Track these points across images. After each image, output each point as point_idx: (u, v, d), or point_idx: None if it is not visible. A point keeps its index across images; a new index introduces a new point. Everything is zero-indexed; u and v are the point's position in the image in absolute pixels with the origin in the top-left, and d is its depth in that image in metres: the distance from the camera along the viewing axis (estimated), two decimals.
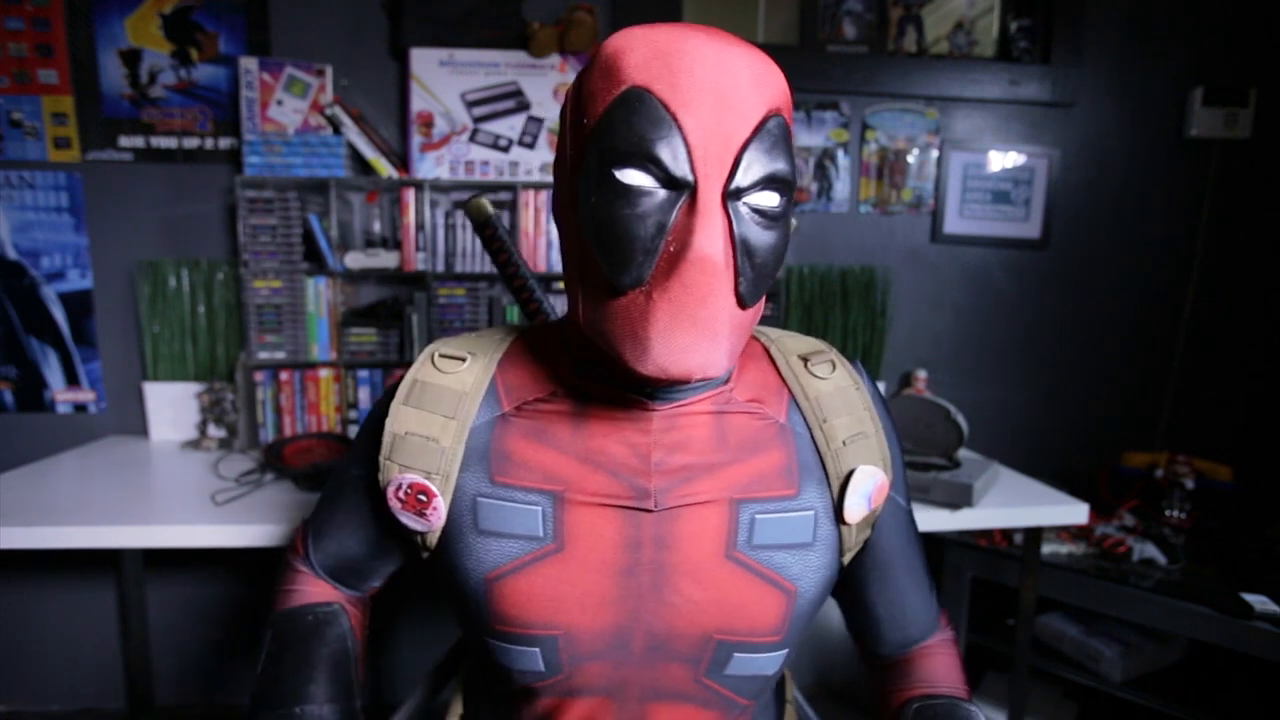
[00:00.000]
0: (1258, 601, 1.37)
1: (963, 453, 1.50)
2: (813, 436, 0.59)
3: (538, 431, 0.57)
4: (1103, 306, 2.03)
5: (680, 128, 0.45)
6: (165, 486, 1.38)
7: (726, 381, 0.58)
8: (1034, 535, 1.43)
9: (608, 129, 0.47)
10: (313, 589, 0.68)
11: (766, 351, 0.63)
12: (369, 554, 0.67)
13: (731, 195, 0.47)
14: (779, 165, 0.47)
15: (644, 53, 0.46)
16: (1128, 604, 1.47)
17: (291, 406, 1.67)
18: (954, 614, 1.69)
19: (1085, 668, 1.61)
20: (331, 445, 1.55)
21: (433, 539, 0.59)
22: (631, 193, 0.46)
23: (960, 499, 1.29)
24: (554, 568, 0.55)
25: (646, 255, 0.47)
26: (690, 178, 0.46)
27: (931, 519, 1.30)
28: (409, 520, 0.58)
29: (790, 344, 0.64)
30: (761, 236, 0.48)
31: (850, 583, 0.67)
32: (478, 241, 1.65)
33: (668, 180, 0.46)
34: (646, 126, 0.45)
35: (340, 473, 0.67)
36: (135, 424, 1.79)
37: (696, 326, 0.46)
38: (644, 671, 0.57)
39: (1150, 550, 1.58)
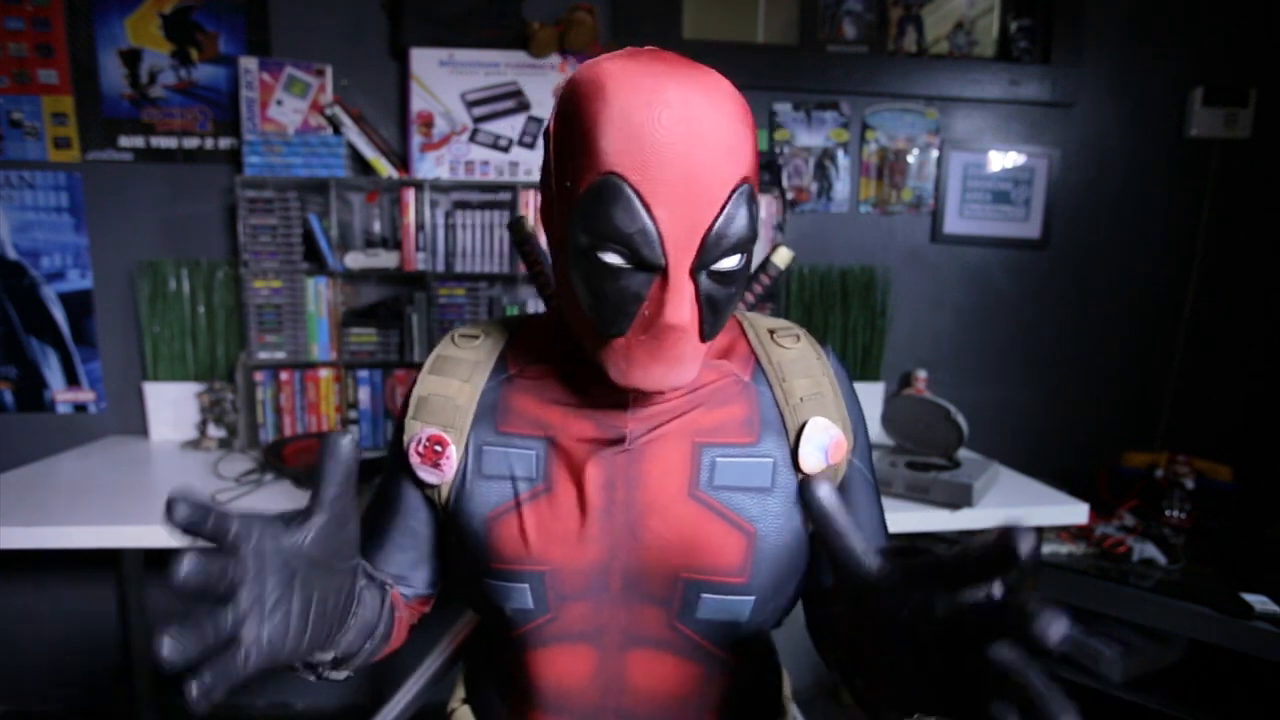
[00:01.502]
0: (1258, 601, 1.37)
1: (963, 453, 1.50)
2: (774, 395, 0.65)
3: (537, 389, 0.66)
4: (1103, 306, 2.03)
5: (654, 218, 0.51)
6: (165, 486, 1.38)
7: None
8: None
9: (590, 211, 0.52)
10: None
11: (739, 324, 0.70)
12: (404, 546, 0.69)
13: (697, 269, 0.54)
14: (742, 234, 0.53)
15: (618, 134, 0.50)
16: (1128, 604, 1.47)
17: (291, 406, 1.67)
18: None
19: (1085, 668, 1.61)
20: None
21: (445, 492, 0.66)
22: (612, 270, 0.53)
23: (960, 499, 1.29)
24: (542, 506, 0.61)
25: (626, 317, 0.55)
26: (662, 262, 0.52)
27: (931, 519, 1.30)
28: (426, 474, 0.65)
29: (761, 321, 0.71)
30: (723, 293, 0.56)
31: (816, 555, 0.68)
32: (477, 242, 1.69)
33: (641, 264, 0.53)
34: (623, 219, 0.51)
35: (377, 487, 0.72)
36: (135, 424, 1.79)
37: (668, 364, 0.56)
38: (621, 613, 0.61)
39: (1150, 550, 1.58)
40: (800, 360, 0.67)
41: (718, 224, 0.52)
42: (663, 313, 0.53)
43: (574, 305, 0.58)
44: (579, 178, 0.53)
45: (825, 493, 0.43)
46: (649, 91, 0.50)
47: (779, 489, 0.62)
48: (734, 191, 0.52)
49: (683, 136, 0.49)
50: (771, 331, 0.69)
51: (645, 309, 0.54)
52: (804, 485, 0.43)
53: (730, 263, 0.54)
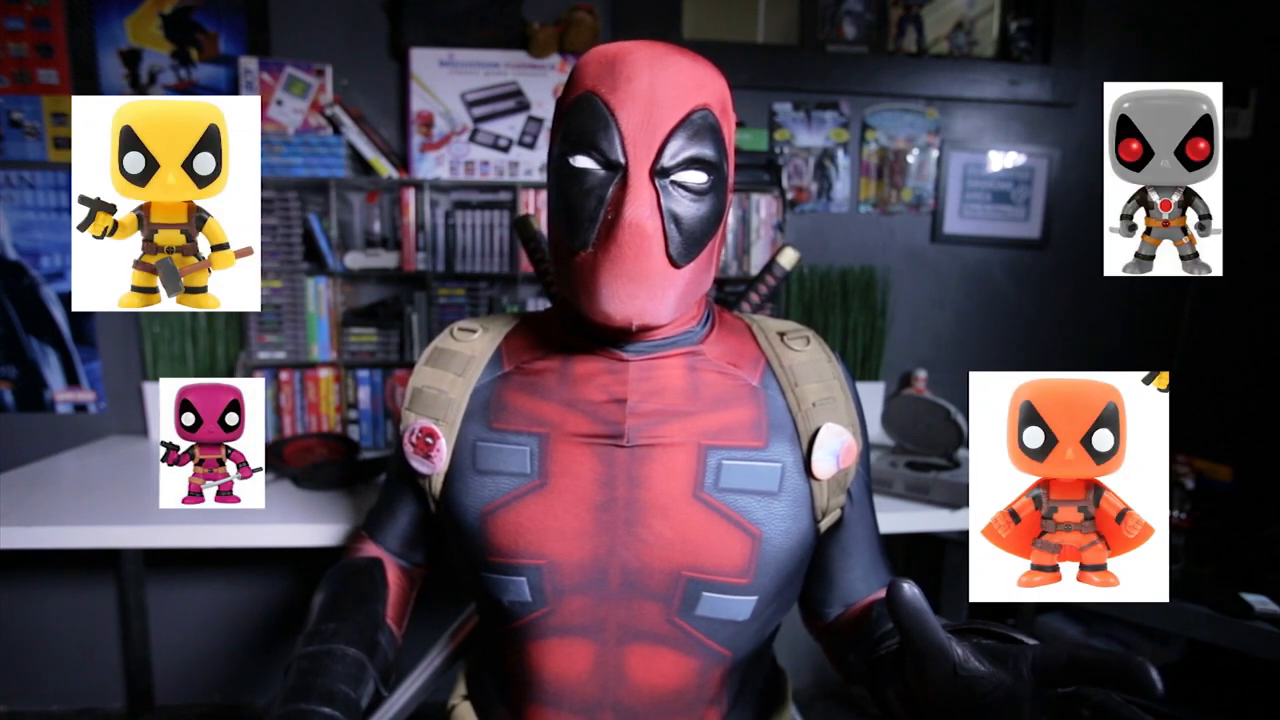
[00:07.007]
0: (1258, 601, 1.37)
1: (963, 453, 1.49)
2: (785, 399, 0.66)
3: (531, 385, 0.67)
4: (1103, 306, 2.03)
5: (616, 121, 0.57)
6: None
7: (699, 342, 0.66)
8: None
9: (568, 125, 0.60)
10: (363, 549, 0.78)
11: (749, 328, 0.71)
12: (408, 519, 0.76)
13: (659, 174, 0.57)
14: (701, 149, 0.58)
15: (596, 65, 0.59)
16: (1128, 604, 1.47)
17: (291, 406, 1.67)
18: (954, 614, 1.69)
19: None
20: (331, 445, 1.55)
21: (437, 483, 0.68)
22: (579, 174, 0.58)
23: (960, 499, 1.29)
24: (539, 501, 0.62)
25: (590, 223, 0.58)
26: (622, 160, 0.57)
27: (931, 519, 1.30)
28: (418, 464, 0.68)
29: (770, 323, 0.72)
30: (687, 208, 0.58)
31: (819, 555, 0.70)
32: (477, 242, 1.69)
33: (606, 162, 0.58)
34: (591, 122, 0.58)
35: (389, 461, 0.78)
36: (135, 424, 1.79)
37: (633, 281, 0.57)
38: (620, 608, 0.62)
39: None
40: (811, 364, 0.67)
41: (677, 132, 0.57)
42: (622, 211, 0.56)
43: (554, 235, 0.63)
44: (563, 109, 0.61)
45: (913, 593, 0.45)
46: (629, 43, 0.59)
47: (787, 493, 0.63)
48: (695, 110, 0.58)
49: (648, 64, 0.58)
50: (781, 334, 0.70)
51: (608, 212, 0.58)
52: (892, 588, 0.45)
53: (694, 177, 0.58)
